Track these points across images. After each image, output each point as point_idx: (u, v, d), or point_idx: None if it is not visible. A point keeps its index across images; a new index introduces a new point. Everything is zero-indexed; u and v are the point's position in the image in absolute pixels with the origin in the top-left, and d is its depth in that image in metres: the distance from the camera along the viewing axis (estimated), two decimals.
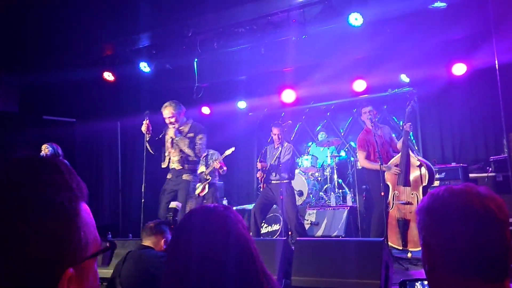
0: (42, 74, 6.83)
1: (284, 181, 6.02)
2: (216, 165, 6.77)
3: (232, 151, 6.91)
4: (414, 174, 5.18)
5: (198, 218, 1.13)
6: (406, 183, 5.20)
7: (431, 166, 5.32)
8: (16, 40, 6.43)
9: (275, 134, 6.25)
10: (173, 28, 6.59)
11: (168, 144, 5.39)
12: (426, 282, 1.35)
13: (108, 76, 7.62)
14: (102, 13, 6.01)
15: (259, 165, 6.16)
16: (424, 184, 5.09)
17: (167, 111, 5.29)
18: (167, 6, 6.11)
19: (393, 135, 5.92)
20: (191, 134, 5.35)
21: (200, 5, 6.03)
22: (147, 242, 3.21)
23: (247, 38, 6.72)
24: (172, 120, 5.29)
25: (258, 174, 6.22)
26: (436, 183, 6.34)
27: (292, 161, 6.18)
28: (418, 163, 5.18)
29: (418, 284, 1.39)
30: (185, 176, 5.32)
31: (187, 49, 7.05)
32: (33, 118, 7.58)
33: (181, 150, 5.33)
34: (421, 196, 5.05)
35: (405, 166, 5.21)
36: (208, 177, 6.79)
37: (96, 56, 7.37)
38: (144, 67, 7.38)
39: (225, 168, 7.06)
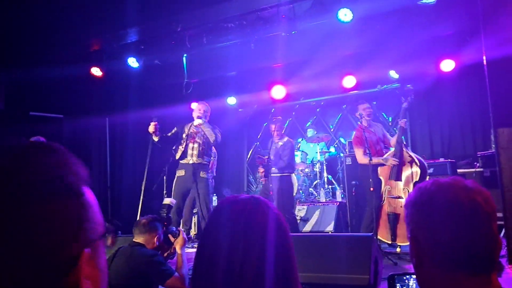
0: (29, 69, 6.74)
1: (284, 174, 6.28)
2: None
3: None
4: (406, 170, 5.23)
5: (242, 210, 1.01)
6: (398, 177, 5.25)
7: (424, 162, 5.34)
8: (2, 35, 6.33)
9: (272, 130, 6.50)
10: (162, 23, 6.54)
11: (186, 138, 5.68)
12: (414, 276, 1.35)
13: (96, 71, 7.54)
14: (90, 7, 5.94)
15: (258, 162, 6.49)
16: (415, 180, 5.12)
17: (200, 106, 5.88)
18: (156, 1, 6.06)
19: (385, 132, 5.94)
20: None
21: (189, 0, 5.99)
22: (139, 239, 3.17)
23: (237, 33, 6.69)
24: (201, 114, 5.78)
25: (260, 169, 6.51)
26: (427, 178, 6.40)
27: (291, 155, 6.44)
28: (410, 159, 5.21)
29: (406, 278, 1.39)
30: (202, 174, 5.42)
31: (176, 45, 7.00)
32: (19, 114, 7.48)
33: (204, 137, 5.67)
34: None
35: (399, 160, 5.25)
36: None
37: (84, 51, 7.29)
38: (133, 62, 7.31)
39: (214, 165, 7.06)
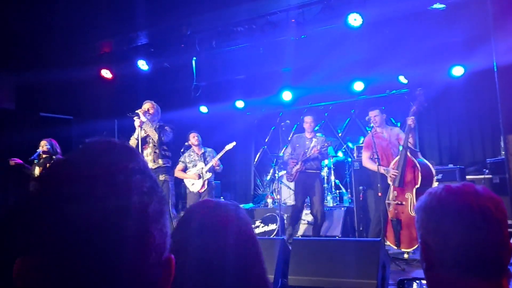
0: (39, 71, 6.81)
1: (318, 171, 6.28)
2: (214, 161, 6.72)
3: (234, 146, 6.92)
4: (409, 175, 5.20)
5: (204, 213, 1.05)
6: (401, 184, 5.22)
7: (429, 167, 5.29)
8: (13, 37, 6.41)
9: (307, 123, 6.38)
10: (172, 26, 6.58)
11: (140, 144, 5.29)
12: (424, 282, 1.34)
13: (106, 73, 7.60)
14: (100, 10, 5.99)
15: (314, 150, 6.17)
16: (417, 186, 5.09)
17: (144, 105, 5.44)
18: (166, 4, 6.10)
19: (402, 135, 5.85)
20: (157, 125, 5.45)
21: (199, 4, 6.02)
22: None
23: (246, 37, 6.72)
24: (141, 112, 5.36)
25: (293, 165, 6.25)
26: (435, 184, 6.36)
27: (326, 152, 6.39)
28: (413, 163, 5.18)
29: (415, 283, 1.39)
30: (161, 177, 5.27)
31: (186, 48, 7.04)
32: (30, 115, 7.55)
33: (152, 140, 5.31)
34: (414, 197, 5.07)
35: (402, 166, 5.21)
36: (209, 174, 6.72)
37: (94, 54, 7.35)
38: (142, 65, 7.36)
39: (221, 166, 7.01)
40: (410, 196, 5.12)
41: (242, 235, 1.04)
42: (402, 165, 5.21)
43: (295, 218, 6.37)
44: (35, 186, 0.57)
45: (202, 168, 6.71)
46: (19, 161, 6.03)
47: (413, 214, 5.05)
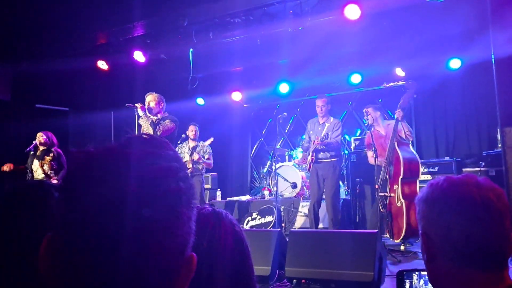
0: (35, 62, 6.76)
1: (333, 159, 5.83)
2: (195, 156, 6.67)
3: (211, 141, 6.93)
4: (395, 167, 5.27)
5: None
6: (390, 176, 5.29)
7: (413, 157, 5.32)
8: (9, 28, 6.35)
9: (318, 106, 5.98)
10: (169, 17, 6.53)
11: None
12: (423, 273, 1.35)
13: (102, 65, 7.54)
14: (96, 1, 5.94)
15: (316, 141, 5.69)
16: (400, 177, 5.16)
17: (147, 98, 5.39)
18: None
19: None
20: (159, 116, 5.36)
21: None
22: None
23: (243, 28, 6.67)
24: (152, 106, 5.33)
25: (309, 156, 5.87)
26: (428, 176, 6.39)
27: (341, 138, 5.97)
28: (397, 155, 5.24)
29: (415, 274, 1.39)
30: None
31: (183, 39, 6.99)
32: (25, 106, 7.51)
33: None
34: (400, 189, 5.15)
35: (391, 159, 5.29)
36: (190, 165, 6.60)
37: (90, 45, 7.28)
38: (139, 56, 7.31)
39: (209, 161, 6.93)
40: (397, 188, 5.20)
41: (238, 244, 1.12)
42: (390, 157, 5.27)
43: (313, 216, 5.91)
44: (77, 165, 0.58)
45: (186, 161, 6.65)
46: (11, 166, 6.00)
47: (399, 205, 5.17)
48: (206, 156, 6.86)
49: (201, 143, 6.92)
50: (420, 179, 6.23)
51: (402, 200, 5.12)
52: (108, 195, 0.53)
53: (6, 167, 5.96)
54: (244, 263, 1.11)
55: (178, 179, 0.59)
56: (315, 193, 5.93)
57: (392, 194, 5.26)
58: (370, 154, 5.71)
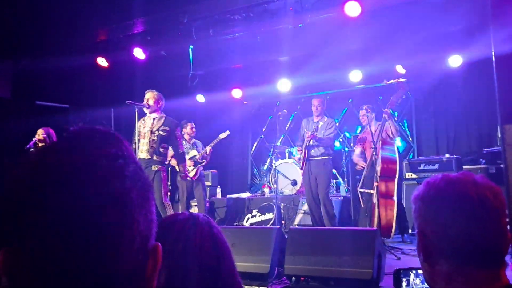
0: (35, 59, 6.75)
1: (324, 157, 5.93)
2: (208, 148, 6.84)
3: (228, 135, 7.04)
4: (378, 166, 5.36)
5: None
6: (372, 173, 5.41)
7: (390, 157, 5.41)
8: (9, 25, 6.34)
9: (314, 106, 6.14)
10: (168, 14, 6.52)
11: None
12: (420, 271, 1.34)
13: (102, 62, 7.54)
14: None
15: (307, 136, 5.88)
16: (379, 175, 5.27)
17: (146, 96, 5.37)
18: None
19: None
20: (166, 128, 5.32)
21: None
22: None
23: (243, 25, 6.66)
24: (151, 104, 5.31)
25: (299, 149, 6.10)
26: (428, 174, 6.40)
27: (333, 136, 6.11)
28: (379, 153, 5.35)
29: (412, 273, 1.39)
30: (154, 167, 5.19)
31: (183, 36, 6.98)
32: (26, 103, 7.50)
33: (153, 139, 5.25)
34: (377, 186, 5.26)
35: (374, 157, 5.38)
36: (201, 160, 6.82)
37: (90, 42, 7.28)
38: (139, 53, 7.30)
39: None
40: (377, 185, 5.29)
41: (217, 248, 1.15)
42: (373, 156, 5.37)
43: (313, 212, 6.03)
44: (17, 174, 0.57)
45: (195, 155, 6.77)
46: None
47: (375, 202, 5.33)
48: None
49: (198, 141, 7.09)
50: (419, 177, 6.31)
51: (377, 198, 5.22)
52: (57, 205, 0.52)
53: None
54: (224, 263, 1.14)
55: (124, 178, 0.57)
56: (308, 191, 6.05)
57: (371, 191, 5.39)
58: (357, 151, 5.86)
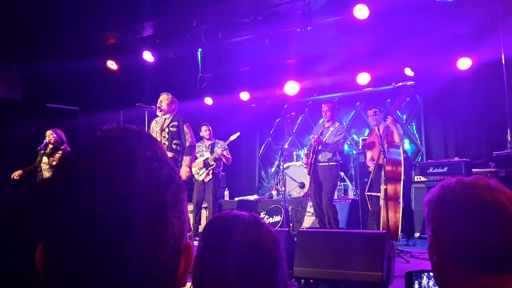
0: (45, 62, 6.81)
1: (332, 163, 5.82)
2: (218, 151, 6.84)
3: (237, 136, 7.03)
4: (384, 168, 5.37)
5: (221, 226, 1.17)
6: (379, 176, 5.45)
7: (395, 160, 5.41)
8: (19, 28, 6.41)
9: (323, 111, 6.02)
10: (177, 17, 6.56)
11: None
12: (432, 274, 1.35)
13: (112, 64, 7.60)
14: (106, 1, 5.98)
15: (312, 140, 5.87)
16: (383, 178, 5.31)
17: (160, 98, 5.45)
18: None
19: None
20: (175, 123, 5.42)
21: None
22: None
23: (252, 28, 6.69)
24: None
25: (307, 154, 6.08)
26: (437, 177, 6.38)
27: (342, 142, 5.99)
28: (384, 156, 5.34)
29: (424, 275, 1.39)
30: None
31: (191, 39, 7.02)
32: (36, 105, 7.57)
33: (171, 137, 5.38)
34: (384, 189, 5.30)
35: (380, 160, 5.40)
36: (213, 162, 6.83)
37: (100, 45, 7.35)
38: (148, 56, 7.35)
39: (228, 156, 7.08)
40: (382, 188, 5.33)
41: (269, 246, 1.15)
42: (379, 158, 5.39)
43: (318, 216, 6.00)
44: (52, 174, 0.58)
45: (208, 158, 6.81)
46: (21, 173, 6.07)
47: (381, 204, 5.34)
48: (225, 152, 7.03)
49: (220, 141, 7.05)
50: (428, 180, 6.29)
51: (384, 200, 5.23)
52: (92, 211, 0.53)
53: (16, 176, 6.04)
54: (267, 261, 1.15)
55: (159, 182, 0.57)
56: (313, 196, 6.00)
57: (378, 194, 5.39)
58: (368, 155, 5.90)
